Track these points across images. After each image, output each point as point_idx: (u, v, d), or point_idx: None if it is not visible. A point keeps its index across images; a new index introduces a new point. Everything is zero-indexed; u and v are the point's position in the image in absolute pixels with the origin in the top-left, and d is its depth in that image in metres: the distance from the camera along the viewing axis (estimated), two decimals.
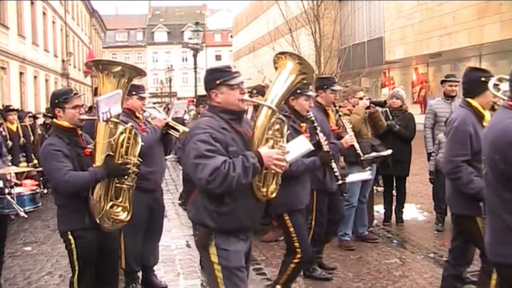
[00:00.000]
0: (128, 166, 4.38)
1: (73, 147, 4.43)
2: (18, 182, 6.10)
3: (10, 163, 9.66)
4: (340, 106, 6.62)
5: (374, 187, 9.06)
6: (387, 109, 8.63)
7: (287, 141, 3.97)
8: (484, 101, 4.72)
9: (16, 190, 5.79)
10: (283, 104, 4.82)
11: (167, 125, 5.98)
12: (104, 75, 4.46)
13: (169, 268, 7.02)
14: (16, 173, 6.28)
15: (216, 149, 3.51)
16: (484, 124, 4.58)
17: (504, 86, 3.89)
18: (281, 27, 26.79)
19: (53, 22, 37.06)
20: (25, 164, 11.23)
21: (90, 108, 13.56)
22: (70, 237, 4.44)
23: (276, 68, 4.05)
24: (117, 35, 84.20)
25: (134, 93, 5.71)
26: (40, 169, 8.97)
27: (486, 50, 23.77)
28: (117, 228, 4.59)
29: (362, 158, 6.58)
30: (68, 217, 4.47)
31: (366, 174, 7.02)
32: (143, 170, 5.04)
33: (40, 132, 12.71)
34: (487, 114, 4.72)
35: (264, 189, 3.80)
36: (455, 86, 8.70)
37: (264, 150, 3.61)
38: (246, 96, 3.85)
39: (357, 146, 6.23)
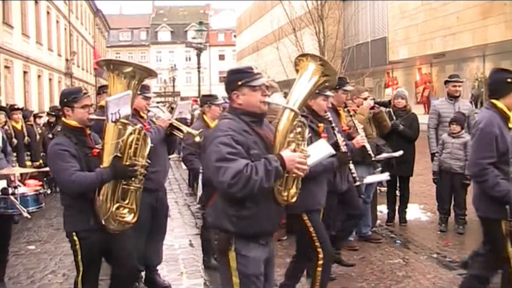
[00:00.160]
0: (136, 168, 4.34)
1: (81, 147, 4.39)
2: (21, 184, 6.07)
3: (15, 163, 9.70)
4: (345, 106, 6.61)
5: (378, 187, 9.05)
6: (391, 109, 8.63)
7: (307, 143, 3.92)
8: (510, 102, 4.66)
9: (20, 190, 5.78)
10: None
11: (171, 126, 5.98)
12: (114, 75, 4.42)
13: (172, 268, 7.03)
14: (21, 173, 6.28)
15: (238, 152, 3.45)
16: (510, 125, 4.56)
17: None
18: (285, 27, 26.78)
19: (57, 22, 37.11)
20: (29, 163, 11.23)
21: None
22: (75, 238, 4.40)
23: (297, 71, 4.01)
24: (121, 34, 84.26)
25: (139, 92, 5.70)
26: (44, 169, 9.02)
27: (490, 51, 23.73)
28: (122, 230, 4.54)
29: (373, 158, 6.54)
30: (74, 218, 4.43)
31: (385, 175, 6.98)
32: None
33: (40, 131, 12.70)
34: None
35: (285, 193, 3.76)
36: (459, 86, 8.69)
37: (287, 154, 3.55)
38: (268, 98, 3.78)
39: (368, 147, 6.18)
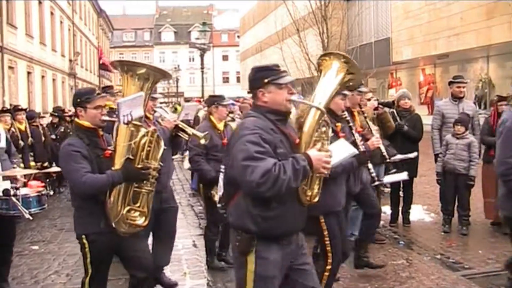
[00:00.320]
0: (148, 170, 4.27)
1: (93, 148, 4.34)
2: (23, 186, 6.05)
3: (17, 165, 9.72)
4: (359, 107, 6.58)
5: (381, 188, 9.03)
6: (394, 110, 8.62)
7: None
8: None
9: (22, 191, 5.75)
10: None
11: (177, 127, 5.97)
12: (128, 76, 4.36)
13: (175, 268, 7.03)
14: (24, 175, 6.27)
15: (266, 151, 3.41)
16: None
17: None
18: (288, 27, 26.78)
19: (61, 22, 37.16)
20: (33, 164, 11.25)
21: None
22: (85, 240, 4.35)
23: (320, 71, 4.00)
24: (124, 35, 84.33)
25: None
26: (46, 170, 9.03)
27: (494, 51, 23.67)
28: (133, 233, 4.46)
29: (388, 160, 6.51)
30: (84, 220, 4.37)
31: (403, 175, 6.97)
32: None
33: (43, 132, 12.72)
34: None
35: (310, 193, 3.74)
36: (463, 87, 8.68)
37: (313, 153, 3.53)
38: (294, 97, 3.75)
39: (383, 148, 6.14)
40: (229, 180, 3.67)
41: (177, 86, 59.24)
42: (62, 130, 13.32)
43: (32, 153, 11.43)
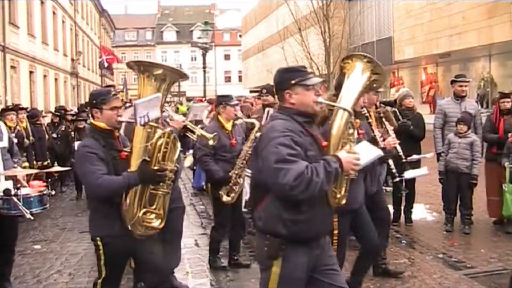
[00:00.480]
0: (164, 172, 4.20)
1: (109, 149, 4.27)
2: (26, 185, 6.03)
3: (27, 163, 9.74)
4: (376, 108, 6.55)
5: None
6: (396, 109, 8.61)
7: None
8: None
9: (23, 191, 5.72)
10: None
11: (185, 128, 5.96)
12: (145, 77, 4.30)
13: (177, 267, 7.02)
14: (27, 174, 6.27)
15: (298, 153, 3.37)
16: None
17: None
18: (290, 26, 26.81)
19: (63, 22, 37.20)
20: (34, 163, 11.25)
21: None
22: (99, 243, 4.27)
23: (343, 74, 3.98)
24: (126, 34, 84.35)
25: None
26: (47, 170, 9.02)
27: (496, 50, 23.65)
28: (149, 235, 4.37)
29: (404, 160, 6.48)
30: (99, 222, 4.31)
31: (424, 170, 6.94)
32: None
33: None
34: None
35: (338, 195, 3.72)
36: (465, 86, 8.67)
37: (343, 155, 3.50)
38: (321, 98, 3.69)
39: (399, 148, 6.13)
40: (258, 184, 3.61)
41: (179, 86, 59.33)
42: (63, 129, 13.33)
43: (33, 152, 11.43)
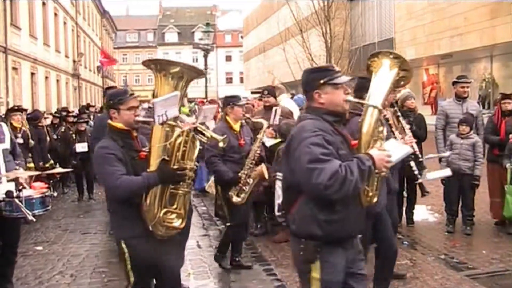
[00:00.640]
0: (184, 171, 4.14)
1: (127, 150, 4.22)
2: (27, 187, 6.02)
3: (32, 164, 9.73)
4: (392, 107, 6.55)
5: None
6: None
7: None
8: None
9: (25, 193, 5.72)
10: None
11: (195, 130, 5.96)
12: (161, 76, 4.23)
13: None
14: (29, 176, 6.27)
15: (330, 152, 3.34)
16: None
17: None
18: (291, 27, 26.81)
19: (64, 23, 37.26)
20: (32, 165, 11.25)
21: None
22: (123, 245, 4.20)
23: (370, 72, 3.96)
24: (128, 35, 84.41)
25: None
26: (48, 172, 9.01)
27: (498, 51, 23.63)
28: (170, 235, 4.29)
29: (421, 159, 6.44)
30: (120, 224, 4.27)
31: (447, 171, 6.89)
32: None
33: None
34: None
35: (370, 194, 3.70)
36: (467, 87, 8.67)
37: (375, 152, 3.48)
38: (349, 97, 3.67)
39: (416, 147, 6.10)
40: (290, 186, 3.59)
41: None
42: (62, 130, 13.33)
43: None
